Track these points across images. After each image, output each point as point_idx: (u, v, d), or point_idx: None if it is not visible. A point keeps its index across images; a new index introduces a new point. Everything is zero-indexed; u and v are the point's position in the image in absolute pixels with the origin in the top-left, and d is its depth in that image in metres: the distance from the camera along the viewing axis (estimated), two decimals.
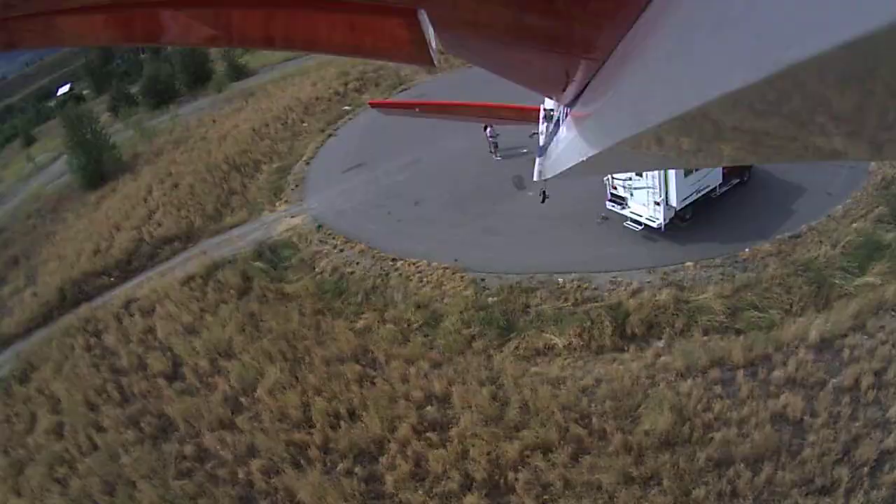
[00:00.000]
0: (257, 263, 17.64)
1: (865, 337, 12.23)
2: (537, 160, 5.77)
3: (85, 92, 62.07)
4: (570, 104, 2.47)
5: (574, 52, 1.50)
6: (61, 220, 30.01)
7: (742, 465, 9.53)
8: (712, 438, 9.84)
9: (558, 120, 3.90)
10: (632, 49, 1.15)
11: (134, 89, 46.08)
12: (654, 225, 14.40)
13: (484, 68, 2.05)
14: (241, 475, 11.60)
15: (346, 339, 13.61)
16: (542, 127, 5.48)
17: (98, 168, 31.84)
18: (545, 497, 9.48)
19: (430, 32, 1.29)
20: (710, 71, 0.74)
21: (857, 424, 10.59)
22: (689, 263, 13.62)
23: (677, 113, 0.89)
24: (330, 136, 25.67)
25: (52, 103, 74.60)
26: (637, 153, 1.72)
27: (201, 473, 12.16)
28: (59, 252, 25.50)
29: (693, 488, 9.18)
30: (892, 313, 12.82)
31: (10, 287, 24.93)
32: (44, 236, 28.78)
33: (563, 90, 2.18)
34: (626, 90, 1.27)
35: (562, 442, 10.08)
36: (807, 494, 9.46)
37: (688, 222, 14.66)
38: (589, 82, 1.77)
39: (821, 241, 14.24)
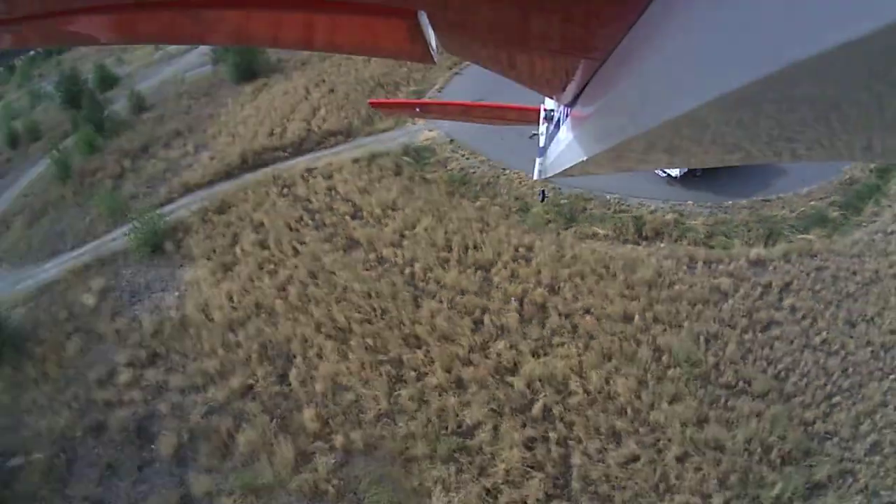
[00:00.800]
0: (405, 158, 25.99)
1: (788, 264, 19.80)
2: (537, 160, 5.96)
3: None
4: (570, 104, 2.54)
5: (574, 52, 1.51)
6: (221, 104, 36.02)
7: (685, 302, 17.76)
8: (672, 286, 18.10)
9: (558, 120, 3.95)
10: (632, 49, 1.19)
11: None
12: (674, 174, 22.04)
13: (484, 68, 2.10)
14: (406, 271, 20.31)
15: (469, 211, 22.05)
16: (542, 127, 5.53)
17: (250, 66, 38.19)
18: (577, 295, 18.00)
19: (431, 33, 1.39)
20: (710, 71, 0.77)
21: (761, 303, 18.41)
22: (690, 202, 21.38)
23: (677, 113, 0.93)
24: (456, 73, 32.56)
25: None
26: (637, 153, 1.78)
27: (380, 269, 20.75)
28: (231, 130, 31.80)
29: (655, 305, 17.53)
30: (812, 257, 20.38)
31: (178, 152, 31.16)
32: (206, 116, 34.89)
33: (563, 90, 2.19)
34: (626, 90, 1.32)
35: (591, 274, 18.51)
36: (717, 325, 17.59)
37: (698, 177, 22.20)
38: (589, 82, 1.80)
39: (783, 207, 21.44)
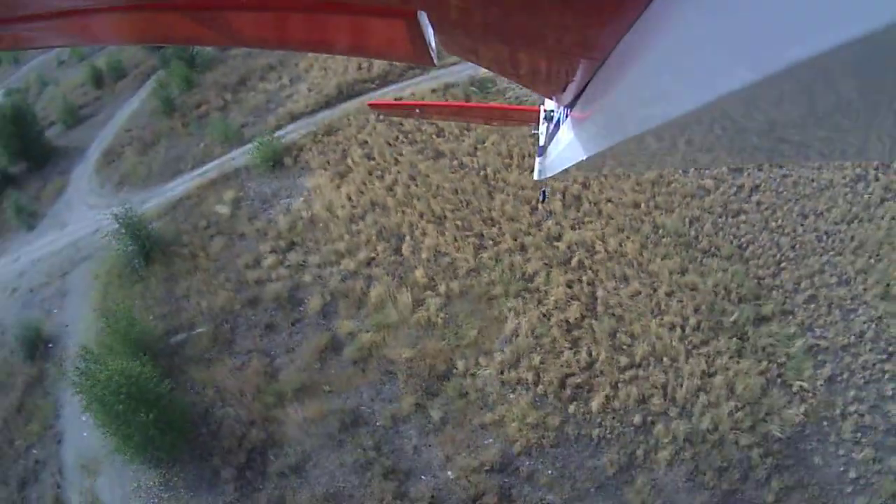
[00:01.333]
0: (472, 88, 33.12)
1: (759, 172, 27.00)
2: (537, 160, 6.05)
3: None
4: (570, 104, 2.55)
5: (574, 52, 1.51)
6: None
7: (678, 195, 25.47)
8: (670, 184, 25.87)
9: (558, 120, 3.97)
10: (632, 49, 1.18)
11: None
12: None
13: (485, 68, 2.12)
14: (481, 173, 28.05)
15: (525, 130, 29.47)
16: (542, 127, 5.60)
17: None
18: (602, 189, 25.90)
19: (430, 33, 1.39)
20: (710, 72, 0.78)
21: (734, 198, 26.07)
22: None
23: (677, 113, 0.94)
24: None
25: None
26: (637, 154, 1.79)
27: (462, 172, 28.17)
28: (322, 64, 34.74)
29: (656, 196, 25.39)
30: (780, 167, 27.62)
31: (275, 85, 34.56)
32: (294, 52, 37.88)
33: (563, 90, 2.20)
34: (625, 90, 1.33)
35: (612, 175, 26.26)
36: (699, 211, 25.40)
37: None
38: (589, 82, 1.80)
39: None
